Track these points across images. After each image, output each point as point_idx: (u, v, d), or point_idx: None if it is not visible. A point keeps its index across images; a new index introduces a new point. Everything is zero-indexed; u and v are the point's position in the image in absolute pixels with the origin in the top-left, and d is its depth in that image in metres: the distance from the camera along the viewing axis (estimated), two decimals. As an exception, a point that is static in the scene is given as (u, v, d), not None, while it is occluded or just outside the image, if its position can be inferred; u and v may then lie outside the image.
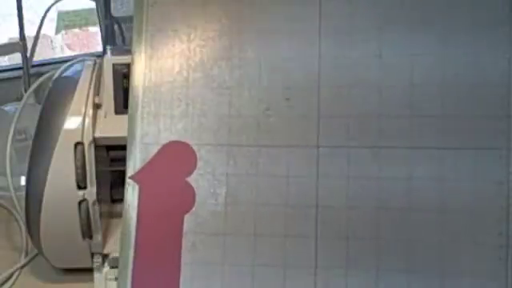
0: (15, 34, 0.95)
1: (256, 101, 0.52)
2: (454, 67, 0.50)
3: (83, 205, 0.60)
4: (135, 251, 0.51)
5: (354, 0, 0.52)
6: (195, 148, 0.52)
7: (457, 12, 0.50)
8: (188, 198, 0.51)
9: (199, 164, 0.52)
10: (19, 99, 0.85)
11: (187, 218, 0.51)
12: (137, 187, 0.52)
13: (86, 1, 1.01)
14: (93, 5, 0.95)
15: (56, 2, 0.93)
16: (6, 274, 0.67)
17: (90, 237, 0.62)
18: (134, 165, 0.52)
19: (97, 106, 0.63)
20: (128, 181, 0.52)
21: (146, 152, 0.52)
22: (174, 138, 0.52)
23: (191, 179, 0.52)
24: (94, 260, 0.64)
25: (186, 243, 0.51)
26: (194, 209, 0.51)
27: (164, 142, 0.52)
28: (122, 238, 0.51)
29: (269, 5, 0.54)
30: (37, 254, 0.68)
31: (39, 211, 0.60)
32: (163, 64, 0.54)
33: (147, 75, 0.54)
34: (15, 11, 0.91)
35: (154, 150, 0.52)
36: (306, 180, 0.51)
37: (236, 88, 0.53)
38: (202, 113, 0.53)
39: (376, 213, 0.49)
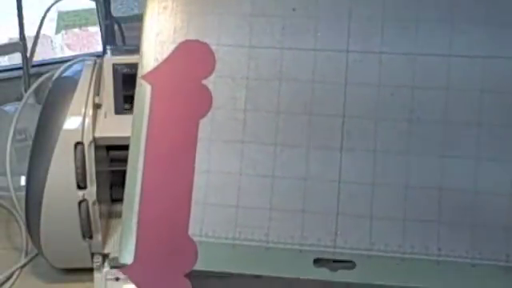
0: (15, 34, 0.95)
1: (280, 2, 0.48)
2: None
3: (83, 205, 0.60)
4: (145, 159, 0.47)
5: None
6: (214, 48, 0.48)
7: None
8: (204, 101, 0.48)
9: (218, 66, 0.48)
10: (19, 99, 0.85)
11: (202, 123, 0.47)
12: (149, 88, 0.48)
13: (85, 1, 1.01)
14: (93, 5, 0.95)
15: (56, 2, 0.93)
16: (6, 274, 0.67)
17: (90, 237, 0.62)
18: (146, 64, 0.48)
19: (97, 106, 0.63)
20: (139, 81, 0.48)
21: (161, 51, 0.48)
22: (191, 36, 0.49)
23: (208, 82, 0.48)
24: (94, 260, 0.64)
25: (200, 150, 0.47)
26: (210, 113, 0.47)
27: (180, 40, 0.48)
28: (132, 145, 0.47)
29: None
30: (37, 254, 0.68)
31: (39, 211, 0.60)
32: None
33: None
34: (15, 11, 0.91)
35: (170, 48, 0.48)
36: (332, 86, 0.47)
37: None
38: (223, 10, 0.49)
39: (407, 124, 0.46)
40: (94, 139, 0.61)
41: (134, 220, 0.46)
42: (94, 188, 0.60)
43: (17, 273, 0.68)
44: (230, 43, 0.48)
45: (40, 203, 0.60)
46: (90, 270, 0.64)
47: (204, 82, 0.48)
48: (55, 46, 1.38)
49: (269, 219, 0.46)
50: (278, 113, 0.47)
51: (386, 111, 0.46)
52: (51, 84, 0.66)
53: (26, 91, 0.87)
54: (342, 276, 0.45)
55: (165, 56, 0.48)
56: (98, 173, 0.61)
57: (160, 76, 0.48)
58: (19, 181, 0.76)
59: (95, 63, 0.66)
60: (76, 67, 0.67)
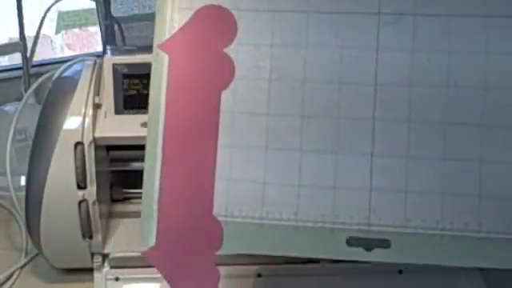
0: (15, 34, 0.95)
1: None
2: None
3: (83, 205, 0.60)
4: (164, 134, 0.44)
5: None
6: (235, 14, 0.45)
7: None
8: (226, 71, 0.45)
9: (239, 33, 0.45)
10: (19, 99, 0.85)
11: (225, 94, 0.44)
12: (166, 58, 0.45)
13: (85, 1, 1.01)
14: (93, 5, 0.95)
15: (56, 2, 0.93)
16: (6, 274, 0.67)
17: (90, 237, 0.62)
18: (161, 32, 0.45)
19: (97, 106, 0.63)
20: (155, 51, 0.45)
21: (178, 18, 0.45)
22: (210, 1, 0.45)
23: (230, 50, 0.45)
24: (94, 260, 0.64)
25: (223, 123, 0.44)
26: (232, 84, 0.44)
27: (199, 6, 0.45)
28: (150, 119, 0.44)
29: None
30: (37, 254, 0.68)
31: (39, 211, 0.60)
32: None
33: None
34: (15, 11, 0.91)
35: (187, 15, 0.45)
36: (362, 52, 0.44)
37: None
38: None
39: (445, 91, 0.43)
40: (94, 139, 0.61)
41: (155, 198, 0.44)
42: (94, 188, 0.60)
43: (17, 273, 0.68)
44: (252, 8, 0.45)
45: (40, 203, 0.60)
46: (90, 270, 0.64)
47: (225, 50, 0.45)
48: (55, 45, 1.38)
49: (297, 196, 0.43)
50: (304, 82, 0.44)
51: (421, 78, 0.43)
52: (51, 84, 0.66)
53: (25, 91, 0.87)
54: (377, 256, 0.42)
55: (182, 23, 0.45)
56: (98, 173, 0.61)
57: (177, 45, 0.45)
58: (19, 181, 0.76)
59: (95, 63, 0.66)
60: (76, 67, 0.67)
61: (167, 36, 0.45)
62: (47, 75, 0.70)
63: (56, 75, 0.67)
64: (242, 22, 0.45)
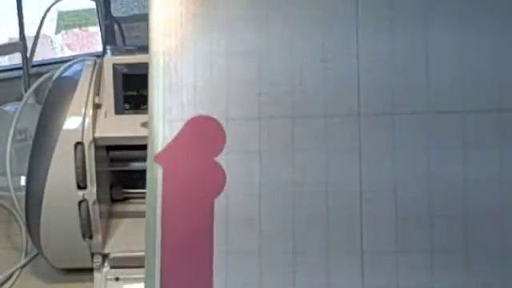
0: (15, 34, 0.95)
1: (289, 65, 0.47)
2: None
3: (83, 205, 0.60)
4: (162, 241, 0.46)
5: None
6: (223, 123, 0.47)
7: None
8: (218, 179, 0.46)
9: (228, 141, 0.46)
10: (19, 99, 0.85)
11: (218, 201, 0.46)
12: (160, 170, 0.46)
13: (86, 1, 1.01)
14: (93, 5, 0.95)
15: (56, 2, 0.93)
16: (6, 274, 0.67)
17: (90, 237, 0.62)
18: (156, 144, 0.47)
19: (97, 106, 0.63)
20: (150, 163, 0.47)
21: (170, 129, 0.47)
22: (199, 112, 0.47)
23: (220, 158, 0.46)
24: (94, 260, 0.64)
25: (218, 230, 0.45)
26: (224, 191, 0.46)
27: (189, 117, 0.47)
28: (147, 228, 0.46)
29: None
30: (37, 254, 0.68)
31: (39, 211, 0.60)
32: (185, 27, 0.48)
33: (166, 41, 0.48)
34: (15, 11, 0.91)
35: (179, 126, 0.47)
36: (348, 152, 0.45)
37: (266, 52, 0.47)
38: (229, 83, 0.47)
39: (428, 194, 0.45)
40: (94, 139, 0.61)
41: None
42: (94, 188, 0.60)
43: (17, 273, 0.68)
44: (239, 116, 0.46)
45: (40, 203, 0.60)
46: (90, 270, 0.64)
47: (216, 158, 0.46)
48: (55, 45, 1.38)
49: None
50: (293, 184, 0.46)
51: (403, 174, 0.45)
52: (51, 84, 0.66)
53: (25, 91, 0.87)
54: None
55: (174, 134, 0.47)
56: (98, 173, 0.61)
57: (171, 156, 0.47)
58: (19, 181, 0.76)
59: (95, 63, 0.66)
60: (76, 67, 0.67)
61: (160, 148, 0.47)
62: (47, 75, 0.70)
63: (56, 75, 0.67)
64: (231, 131, 0.46)
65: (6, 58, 1.14)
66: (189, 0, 0.48)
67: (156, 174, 0.46)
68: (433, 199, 0.44)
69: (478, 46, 0.46)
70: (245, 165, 0.46)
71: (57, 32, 1.37)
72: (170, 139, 0.47)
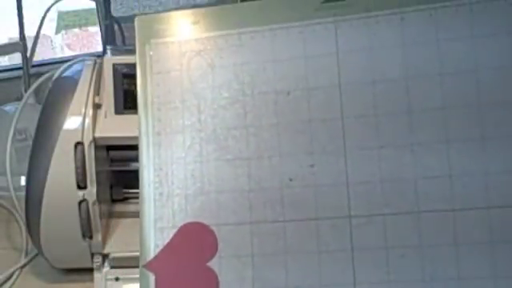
0: (15, 34, 0.95)
1: (277, 171, 0.47)
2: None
3: (83, 205, 0.60)
4: None
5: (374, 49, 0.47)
6: (214, 229, 0.47)
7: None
8: (211, 285, 0.46)
9: (220, 246, 0.47)
10: (19, 99, 0.85)
11: None
12: (152, 278, 0.47)
13: (86, 1, 1.01)
14: (93, 5, 0.95)
15: (56, 2, 0.93)
16: (6, 274, 0.67)
17: (90, 237, 0.62)
18: (147, 252, 0.47)
19: (97, 106, 0.63)
20: (142, 271, 0.47)
21: (161, 237, 0.48)
22: (190, 219, 0.48)
23: (213, 264, 0.46)
24: (94, 260, 0.64)
25: None
26: None
27: (180, 224, 0.48)
28: None
29: (285, 62, 0.48)
30: (37, 254, 0.68)
31: (39, 211, 0.60)
32: (173, 139, 0.49)
33: (156, 152, 0.49)
34: (15, 11, 0.91)
35: (170, 234, 0.48)
36: (340, 255, 0.45)
37: (254, 159, 0.48)
38: (219, 189, 0.48)
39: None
40: (94, 139, 0.61)
41: None
42: (94, 188, 0.60)
43: (17, 273, 0.68)
44: (231, 221, 0.47)
45: (40, 203, 0.60)
46: (90, 270, 0.64)
47: (208, 264, 0.46)
48: (55, 45, 1.38)
49: None
50: (286, 283, 0.46)
51: (399, 274, 0.45)
52: (51, 84, 0.66)
53: (26, 91, 0.87)
54: None
55: (166, 242, 0.47)
56: (98, 173, 0.61)
57: (162, 263, 0.47)
58: (19, 181, 0.76)
59: (95, 63, 0.66)
60: (76, 67, 0.67)
61: (152, 255, 0.47)
62: (47, 75, 0.70)
63: (56, 75, 0.67)
64: (223, 236, 0.47)
65: (6, 58, 1.14)
66: (178, 116, 0.50)
67: (148, 282, 0.47)
68: None
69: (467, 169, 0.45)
70: (238, 270, 0.46)
71: (57, 32, 1.37)
72: (161, 247, 0.48)
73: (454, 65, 0.45)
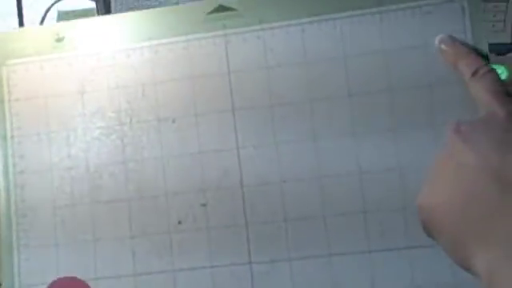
0: (15, 34, 0.95)
1: (164, 212, 0.42)
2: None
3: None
4: None
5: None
6: (91, 284, 0.42)
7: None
8: None
9: None
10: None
11: None
12: None
13: (85, 1, 1.01)
14: (93, 5, 0.95)
15: (56, 2, 0.93)
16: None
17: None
18: None
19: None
20: None
21: None
22: (63, 273, 0.42)
23: None
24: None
25: None
26: None
27: (49, 280, 0.42)
28: None
29: (168, 84, 0.42)
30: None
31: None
32: (39, 179, 0.43)
33: (19, 196, 0.43)
34: (15, 11, 0.91)
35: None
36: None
37: (136, 199, 0.42)
38: (96, 237, 0.42)
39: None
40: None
41: None
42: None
43: (17, 272, 0.68)
44: (112, 274, 0.42)
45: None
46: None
47: None
48: (55, 45, 1.38)
49: None
50: None
51: None
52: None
53: (25, 91, 0.87)
54: None
55: None
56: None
57: None
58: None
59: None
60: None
61: None
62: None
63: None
64: None
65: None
66: (43, 150, 0.43)
67: None
68: None
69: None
70: None
71: (57, 32, 1.37)
72: None
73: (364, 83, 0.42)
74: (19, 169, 0.43)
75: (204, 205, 0.41)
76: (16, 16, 0.92)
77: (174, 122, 0.42)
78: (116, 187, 0.42)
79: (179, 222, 0.42)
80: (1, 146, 0.43)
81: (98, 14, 0.92)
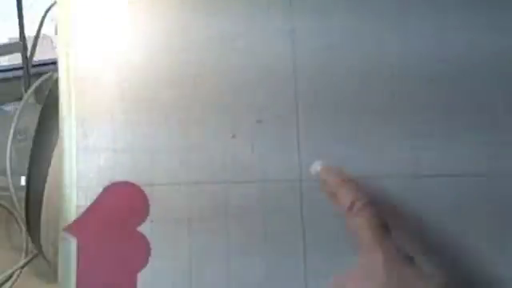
0: (15, 34, 0.95)
1: (220, 125, 0.42)
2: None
3: (83, 205, 0.60)
4: None
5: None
6: (147, 189, 0.42)
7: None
8: (141, 251, 0.41)
9: (153, 209, 0.42)
10: (19, 99, 0.85)
11: (142, 276, 0.41)
12: (74, 244, 0.42)
13: (86, 1, 1.01)
14: (93, 5, 0.95)
15: (56, 2, 0.93)
16: (6, 274, 0.67)
17: (90, 237, 0.62)
18: (68, 215, 0.42)
19: (97, 106, 0.63)
20: (62, 235, 0.42)
21: (85, 197, 0.42)
22: (119, 177, 0.42)
23: (143, 229, 0.42)
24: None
25: None
26: (149, 265, 0.41)
27: (106, 183, 0.42)
28: None
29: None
30: (37, 254, 0.68)
31: (39, 211, 0.60)
32: (99, 90, 0.43)
33: (80, 101, 0.43)
34: (15, 11, 0.91)
35: (95, 193, 0.42)
36: (288, 219, 0.41)
37: (194, 110, 0.42)
38: (153, 144, 0.42)
39: None
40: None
41: None
42: (94, 188, 0.60)
43: (17, 273, 0.68)
44: (165, 181, 0.42)
45: (40, 203, 0.60)
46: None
47: (138, 228, 0.41)
48: (55, 46, 1.38)
49: None
50: (227, 258, 0.41)
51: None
52: (51, 84, 0.66)
53: (26, 91, 0.87)
54: None
55: (89, 203, 0.42)
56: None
57: (85, 228, 0.42)
58: (19, 181, 0.76)
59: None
60: (76, 67, 0.67)
61: (73, 218, 0.42)
62: (47, 75, 0.70)
63: (56, 75, 0.67)
64: (155, 198, 0.42)
65: (6, 58, 1.14)
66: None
67: (69, 249, 0.41)
68: None
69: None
70: (172, 236, 0.41)
71: (57, 32, 1.37)
72: (83, 208, 0.42)
73: None
74: (80, 75, 0.44)
75: (259, 121, 0.42)
76: (16, 16, 0.92)
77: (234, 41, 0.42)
78: (175, 98, 0.42)
79: (233, 136, 0.42)
80: (63, 51, 0.45)
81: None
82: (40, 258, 0.66)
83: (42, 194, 0.60)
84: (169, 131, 0.42)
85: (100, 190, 0.42)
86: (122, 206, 0.42)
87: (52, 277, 0.67)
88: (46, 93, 0.65)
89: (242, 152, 0.42)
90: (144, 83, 0.42)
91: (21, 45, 0.92)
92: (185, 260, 0.41)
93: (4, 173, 0.69)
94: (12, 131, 0.70)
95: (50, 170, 0.60)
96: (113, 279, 0.41)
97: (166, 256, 0.41)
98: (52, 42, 1.36)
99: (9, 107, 0.93)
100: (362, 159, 0.41)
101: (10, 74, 1.04)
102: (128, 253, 0.42)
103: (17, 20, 0.92)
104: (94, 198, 0.42)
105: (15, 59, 1.04)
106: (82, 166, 0.43)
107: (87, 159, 0.42)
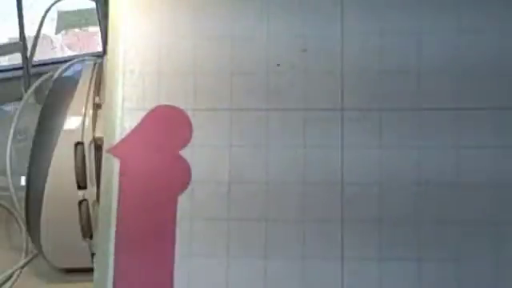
0: (15, 34, 0.95)
1: (264, 54, 0.42)
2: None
3: (83, 205, 0.60)
4: (116, 245, 0.42)
5: None
6: (190, 114, 0.43)
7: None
8: (182, 175, 0.42)
9: (195, 133, 0.42)
10: (19, 99, 0.85)
11: (181, 200, 0.42)
12: (117, 163, 0.43)
13: (86, 1, 1.01)
14: (93, 5, 0.95)
15: (56, 2, 0.93)
16: (6, 274, 0.67)
17: (90, 237, 0.62)
18: (112, 135, 0.43)
19: (97, 106, 0.63)
20: (106, 156, 0.43)
21: (129, 119, 0.43)
22: (163, 101, 0.43)
23: (185, 152, 0.42)
24: (94, 260, 0.64)
25: (180, 231, 0.41)
26: (189, 189, 0.42)
27: (151, 106, 0.43)
28: (100, 228, 0.43)
29: None
30: (37, 254, 0.68)
31: (39, 211, 0.60)
32: (147, 9, 0.43)
33: (129, 25, 0.44)
34: (15, 11, 0.91)
35: (139, 116, 0.43)
36: (328, 151, 0.41)
37: (238, 39, 0.42)
38: (197, 70, 0.43)
39: (416, 189, 0.41)
40: (94, 139, 0.60)
41: None
42: (94, 188, 0.60)
43: (17, 273, 0.68)
44: (208, 107, 0.42)
45: (40, 203, 0.60)
46: (90, 270, 0.64)
47: (181, 152, 0.42)
48: (55, 45, 1.38)
49: None
50: (267, 184, 0.41)
51: (390, 175, 0.41)
52: (51, 84, 0.66)
53: (26, 91, 0.87)
54: None
55: (134, 125, 0.43)
56: (98, 173, 0.61)
57: (129, 148, 0.42)
58: (19, 181, 0.76)
59: (95, 63, 0.66)
60: (76, 67, 0.67)
61: (118, 139, 0.43)
62: (47, 75, 0.70)
63: (56, 75, 0.67)
64: (198, 122, 0.42)
65: (6, 57, 1.14)
66: None
67: (112, 169, 0.43)
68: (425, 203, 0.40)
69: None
70: (213, 160, 0.42)
71: (57, 32, 1.37)
72: (128, 130, 0.43)
73: None
74: None
75: (304, 50, 0.42)
76: (16, 16, 0.92)
77: None
78: (222, 25, 0.43)
79: (278, 65, 0.42)
80: None
81: (98, 14, 0.92)
82: (40, 257, 0.66)
83: (41, 194, 0.60)
84: (214, 56, 0.43)
85: (145, 112, 0.43)
86: (166, 129, 0.43)
87: (52, 277, 0.67)
88: (46, 93, 0.65)
89: (285, 80, 0.42)
90: None
91: (21, 45, 0.92)
92: (224, 184, 0.42)
93: (4, 173, 0.69)
94: (12, 131, 0.70)
95: (50, 169, 0.60)
96: (154, 199, 0.42)
97: (206, 181, 0.42)
98: (52, 41, 1.36)
99: (9, 107, 0.93)
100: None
101: (9, 74, 1.04)
102: (170, 174, 0.42)
103: (17, 20, 0.92)
104: (139, 120, 0.43)
105: (15, 59, 1.04)
106: (128, 89, 0.44)
107: (133, 83, 0.44)
